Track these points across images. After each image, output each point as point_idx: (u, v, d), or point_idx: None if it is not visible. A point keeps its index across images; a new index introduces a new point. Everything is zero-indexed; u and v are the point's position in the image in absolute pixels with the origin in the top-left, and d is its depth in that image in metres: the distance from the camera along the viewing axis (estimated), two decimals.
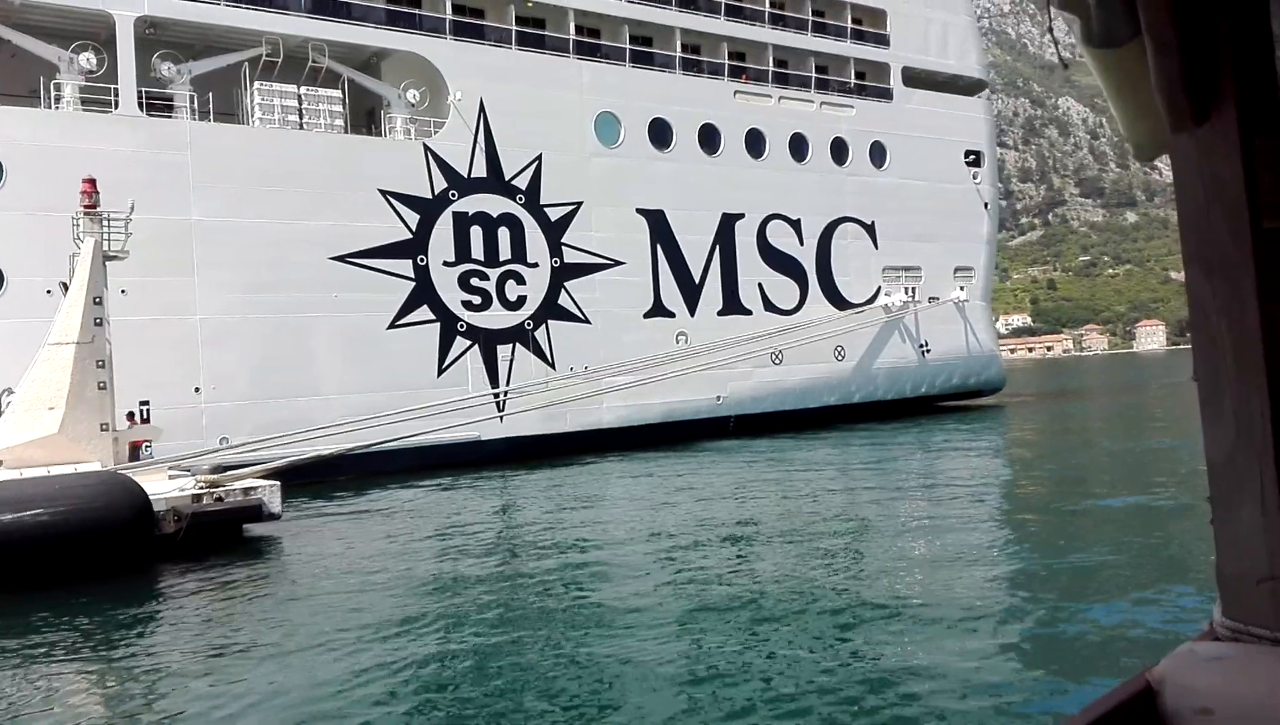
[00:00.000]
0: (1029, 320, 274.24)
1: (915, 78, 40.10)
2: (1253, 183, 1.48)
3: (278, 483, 16.42)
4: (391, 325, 27.36)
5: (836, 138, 37.31)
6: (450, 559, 14.59)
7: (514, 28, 30.65)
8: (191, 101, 25.33)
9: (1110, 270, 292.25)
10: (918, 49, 40.13)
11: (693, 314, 33.48)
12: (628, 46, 33.10)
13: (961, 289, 40.14)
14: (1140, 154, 1.74)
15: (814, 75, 37.47)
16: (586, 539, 15.88)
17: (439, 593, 12.36)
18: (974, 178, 41.19)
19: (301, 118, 26.67)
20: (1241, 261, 1.50)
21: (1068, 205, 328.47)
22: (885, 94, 39.19)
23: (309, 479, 25.15)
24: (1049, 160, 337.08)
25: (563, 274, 30.71)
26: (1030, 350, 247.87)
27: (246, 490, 16.11)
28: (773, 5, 37.11)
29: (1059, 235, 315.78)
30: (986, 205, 41.57)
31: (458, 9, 30.16)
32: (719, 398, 33.65)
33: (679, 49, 34.31)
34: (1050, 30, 1.65)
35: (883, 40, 39.38)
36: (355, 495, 23.01)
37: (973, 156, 41.29)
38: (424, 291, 27.96)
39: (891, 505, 18.03)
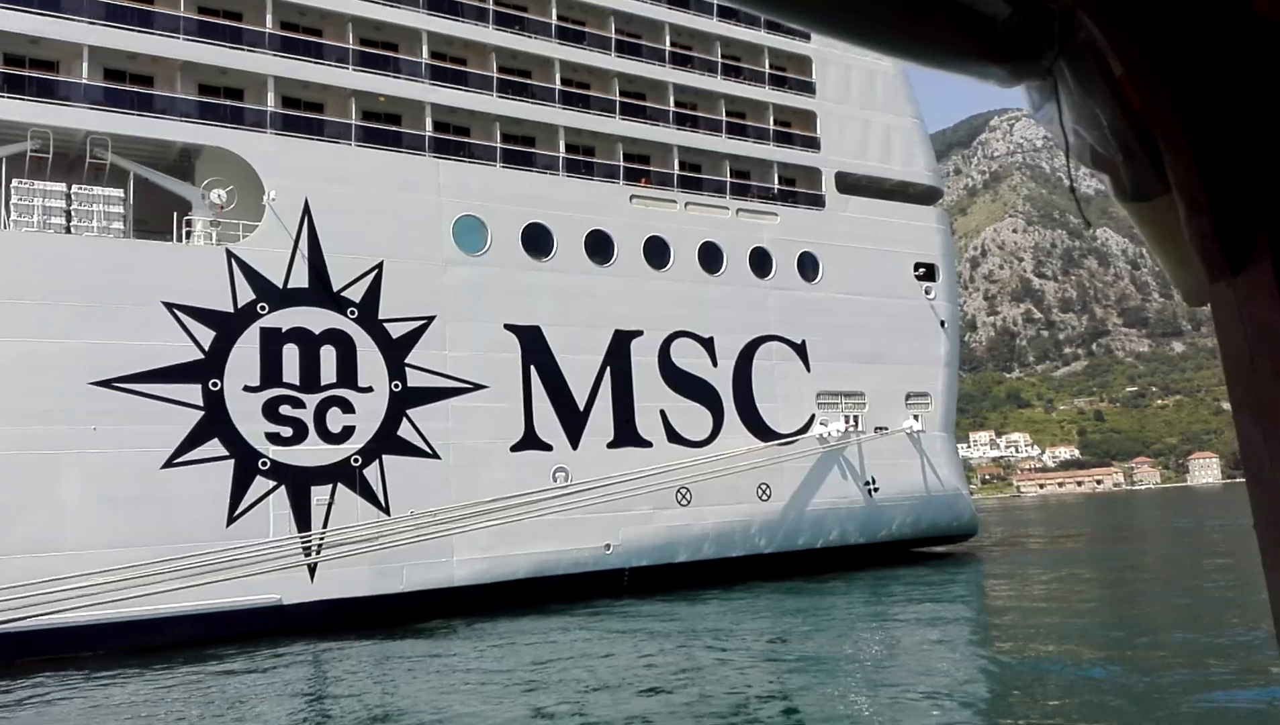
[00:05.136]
0: (1077, 453, 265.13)
1: (854, 184, 35.86)
2: None
3: None
4: (168, 463, 22.75)
5: (757, 247, 32.89)
6: None
7: (355, 122, 27.07)
8: None
9: (1159, 401, 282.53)
10: (855, 153, 36.00)
11: (575, 446, 28.50)
12: (499, 145, 29.36)
13: (916, 418, 34.77)
14: (1189, 299, 1.67)
15: (730, 180, 33.40)
16: None
17: None
18: (927, 293, 36.34)
19: (70, 220, 22.91)
20: None
21: (1111, 335, 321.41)
22: (816, 200, 34.92)
23: (43, 656, 20.29)
24: (1089, 290, 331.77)
25: (405, 400, 26.10)
26: (1079, 483, 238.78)
27: None
28: (682, 105, 33.40)
29: (1104, 365, 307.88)
30: (943, 323, 36.57)
31: (290, 102, 26.77)
32: (609, 546, 28.33)
33: (563, 149, 30.49)
34: (1072, 191, 1.67)
35: (812, 143, 35.36)
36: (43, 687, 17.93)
37: (924, 270, 36.55)
38: (215, 422, 23.43)
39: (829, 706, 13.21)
